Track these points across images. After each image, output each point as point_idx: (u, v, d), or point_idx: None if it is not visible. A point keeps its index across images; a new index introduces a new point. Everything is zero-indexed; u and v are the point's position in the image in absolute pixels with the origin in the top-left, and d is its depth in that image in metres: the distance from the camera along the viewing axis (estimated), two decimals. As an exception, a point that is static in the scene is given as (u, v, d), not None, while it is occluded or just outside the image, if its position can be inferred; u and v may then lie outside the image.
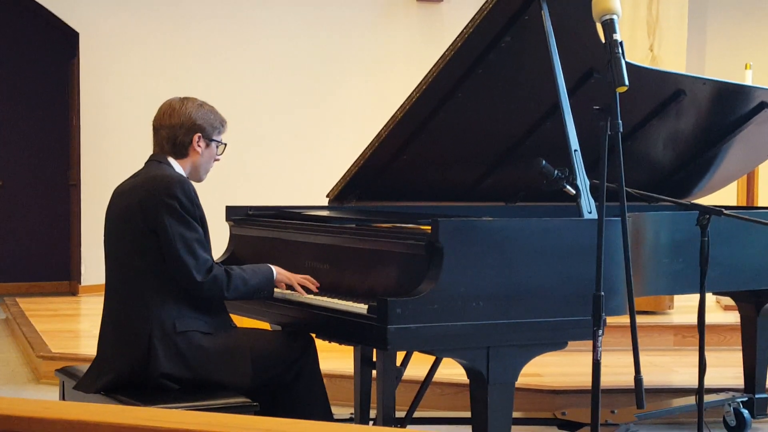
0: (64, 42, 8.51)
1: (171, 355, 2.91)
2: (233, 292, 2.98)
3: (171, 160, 3.11)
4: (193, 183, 3.09)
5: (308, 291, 3.11)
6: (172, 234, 2.92)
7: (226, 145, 3.20)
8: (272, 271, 3.09)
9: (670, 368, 5.11)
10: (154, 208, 2.94)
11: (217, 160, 3.20)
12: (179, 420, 1.14)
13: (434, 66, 3.34)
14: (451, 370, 3.82)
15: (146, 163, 3.15)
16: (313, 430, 1.17)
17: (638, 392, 2.62)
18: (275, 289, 3.11)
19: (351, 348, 3.58)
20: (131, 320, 2.96)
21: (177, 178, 3.00)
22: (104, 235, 3.13)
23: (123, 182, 3.15)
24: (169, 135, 3.10)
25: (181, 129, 3.09)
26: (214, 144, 3.15)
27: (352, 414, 3.79)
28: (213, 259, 3.01)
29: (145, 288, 2.96)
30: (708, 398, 4.09)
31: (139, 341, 2.92)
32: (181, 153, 3.11)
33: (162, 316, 2.92)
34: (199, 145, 3.11)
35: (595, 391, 2.66)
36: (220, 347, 2.97)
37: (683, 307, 5.92)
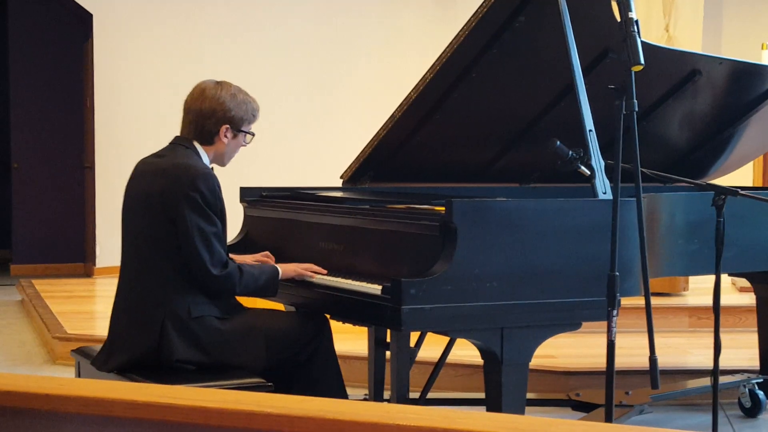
0: (77, 24, 8.52)
1: (186, 341, 2.91)
2: (244, 288, 2.98)
3: (197, 145, 3.05)
4: (216, 167, 3.07)
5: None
6: (190, 225, 2.89)
7: (254, 135, 3.15)
8: (278, 270, 3.08)
9: (685, 350, 5.10)
10: (176, 198, 2.91)
11: (243, 145, 3.15)
12: (194, 397, 1.14)
13: (448, 46, 3.32)
14: (465, 351, 3.82)
15: (172, 144, 3.09)
16: (328, 407, 1.17)
17: (653, 372, 2.62)
18: None
19: (365, 329, 3.58)
20: (145, 305, 2.96)
21: (202, 170, 2.94)
22: (122, 212, 3.10)
23: (147, 159, 3.09)
24: (197, 121, 3.04)
25: (211, 118, 3.03)
26: (241, 134, 3.10)
27: (366, 395, 3.80)
28: (228, 254, 3.00)
29: (160, 273, 2.94)
30: (723, 380, 4.08)
31: (153, 326, 2.91)
32: (207, 140, 3.06)
33: (177, 302, 2.92)
34: (226, 136, 3.05)
35: (610, 372, 2.66)
36: (234, 329, 2.98)
37: (698, 289, 5.90)
